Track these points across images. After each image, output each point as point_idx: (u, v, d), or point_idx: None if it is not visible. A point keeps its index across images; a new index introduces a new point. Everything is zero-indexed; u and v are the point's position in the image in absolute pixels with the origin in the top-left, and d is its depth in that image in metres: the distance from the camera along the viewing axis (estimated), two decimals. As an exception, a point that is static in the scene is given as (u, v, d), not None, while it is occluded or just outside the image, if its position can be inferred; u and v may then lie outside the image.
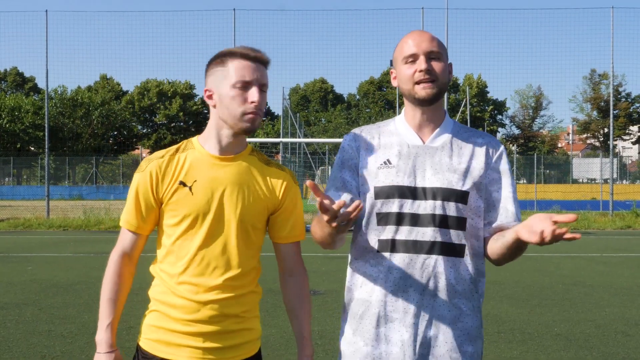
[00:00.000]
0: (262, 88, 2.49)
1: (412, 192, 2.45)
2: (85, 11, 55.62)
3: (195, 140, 2.59)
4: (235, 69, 2.45)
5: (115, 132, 74.02)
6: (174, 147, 2.58)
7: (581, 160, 58.82)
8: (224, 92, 2.47)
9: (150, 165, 2.51)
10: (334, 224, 2.15)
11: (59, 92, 66.49)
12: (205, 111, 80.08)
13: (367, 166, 2.54)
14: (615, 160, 36.63)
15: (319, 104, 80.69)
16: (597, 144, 76.35)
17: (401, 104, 40.50)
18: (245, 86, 2.45)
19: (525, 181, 52.15)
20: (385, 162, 2.51)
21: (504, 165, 2.55)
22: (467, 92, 39.59)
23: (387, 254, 2.45)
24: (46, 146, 27.97)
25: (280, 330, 7.28)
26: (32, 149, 67.40)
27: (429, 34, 2.54)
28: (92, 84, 75.12)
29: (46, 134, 28.03)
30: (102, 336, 2.55)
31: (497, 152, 2.56)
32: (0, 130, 62.22)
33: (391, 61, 2.65)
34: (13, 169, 61.34)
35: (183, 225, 2.48)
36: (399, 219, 2.44)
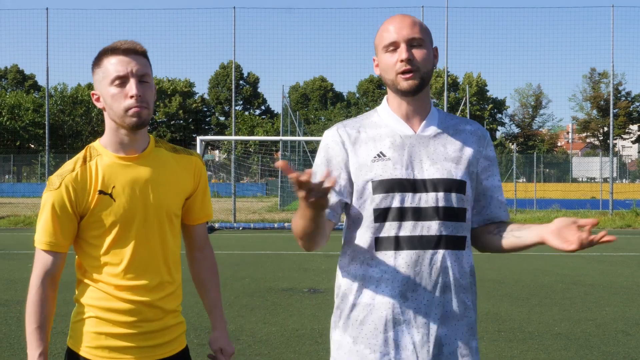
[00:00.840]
0: (142, 78, 2.38)
1: (412, 185, 2.32)
2: (86, 9, 55.65)
3: (97, 145, 2.50)
4: (109, 66, 2.37)
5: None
6: (79, 157, 2.48)
7: (581, 159, 58.95)
8: (105, 92, 2.39)
9: (64, 180, 2.41)
10: (311, 199, 2.01)
11: (59, 90, 66.49)
12: (205, 109, 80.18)
13: (359, 160, 2.38)
14: (615, 159, 36.63)
15: (319, 102, 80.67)
16: (597, 142, 76.39)
17: (401, 103, 40.28)
18: (122, 81, 2.36)
19: (524, 180, 52.14)
20: (379, 155, 2.36)
21: (491, 153, 2.49)
22: (467, 91, 39.61)
23: (390, 252, 2.31)
24: (46, 144, 27.97)
25: (281, 329, 7.28)
26: (32, 146, 67.40)
27: (410, 18, 2.38)
28: (92, 82, 75.05)
29: (46, 131, 28.04)
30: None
31: (486, 139, 2.49)
32: (0, 127, 62.18)
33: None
34: (13, 167, 61.33)
35: (112, 233, 2.42)
36: (401, 214, 2.31)
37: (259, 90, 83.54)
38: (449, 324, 2.34)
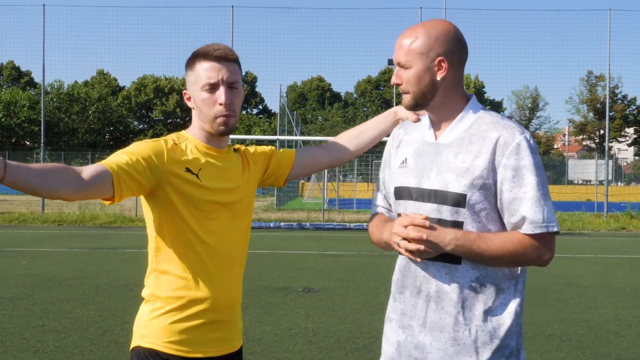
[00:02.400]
0: (232, 85, 2.49)
1: (415, 194, 2.39)
2: (83, 6, 55.56)
3: (185, 133, 2.64)
4: (201, 72, 2.46)
5: (112, 128, 73.90)
6: (166, 138, 2.54)
7: (577, 162, 59.09)
8: (196, 96, 2.50)
9: (166, 142, 2.53)
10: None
11: (56, 87, 66.31)
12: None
13: (392, 165, 2.55)
14: (610, 162, 36.70)
15: (316, 102, 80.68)
16: (593, 145, 76.48)
17: (398, 103, 40.58)
18: (213, 88, 2.46)
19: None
20: (403, 161, 2.49)
21: (521, 161, 2.25)
22: (464, 92, 39.49)
23: (400, 255, 2.45)
24: (42, 141, 27.94)
25: (275, 327, 7.28)
26: (28, 143, 67.22)
27: (405, 37, 2.41)
28: (88, 79, 74.95)
29: (42, 128, 28.00)
30: None
31: (510, 147, 2.26)
32: (-4, 124, 62.04)
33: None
34: (9, 164, 61.11)
35: (206, 218, 2.53)
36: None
37: (256, 89, 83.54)
38: (433, 333, 2.34)
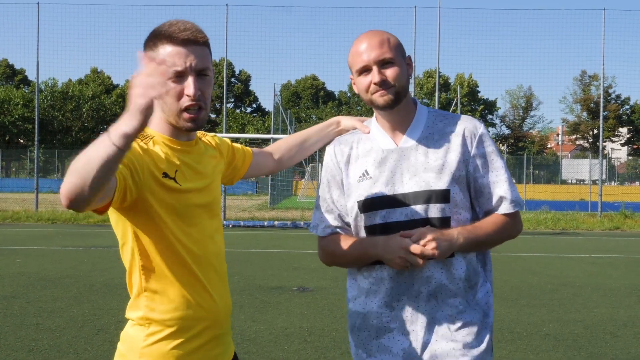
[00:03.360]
0: (202, 73, 2.15)
1: (392, 201, 2.39)
2: (77, 4, 55.35)
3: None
4: (165, 57, 2.09)
5: (106, 126, 73.64)
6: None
7: (570, 161, 59.23)
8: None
9: (139, 144, 2.16)
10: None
11: (50, 85, 66.22)
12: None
13: (349, 180, 2.52)
14: (604, 161, 36.78)
15: (310, 101, 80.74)
16: (587, 145, 76.72)
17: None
18: (179, 76, 2.11)
19: (514, 181, 52.18)
20: (363, 174, 2.47)
21: (488, 148, 2.44)
22: (458, 92, 39.58)
23: (376, 265, 2.42)
24: (36, 139, 27.84)
25: (269, 327, 7.26)
26: (22, 141, 67.12)
27: (377, 37, 2.41)
28: (82, 77, 74.81)
29: (36, 126, 27.91)
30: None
31: (477, 137, 2.43)
32: (-11, 122, 61.87)
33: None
34: (2, 162, 60.98)
35: (188, 224, 2.28)
36: (384, 229, 2.40)
37: (250, 88, 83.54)
38: (439, 329, 2.39)
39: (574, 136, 79.84)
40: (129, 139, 1.71)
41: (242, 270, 11.38)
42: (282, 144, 2.82)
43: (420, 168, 2.39)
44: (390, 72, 2.38)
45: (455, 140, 2.42)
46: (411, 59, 2.49)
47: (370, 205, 2.43)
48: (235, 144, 2.68)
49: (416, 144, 2.43)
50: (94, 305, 8.17)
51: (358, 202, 2.45)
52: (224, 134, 29.16)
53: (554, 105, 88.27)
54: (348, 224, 2.55)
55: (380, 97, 2.38)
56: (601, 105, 29.85)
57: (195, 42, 2.12)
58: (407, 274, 2.37)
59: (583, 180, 53.59)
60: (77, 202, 1.76)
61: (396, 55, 2.40)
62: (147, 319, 2.19)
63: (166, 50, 2.10)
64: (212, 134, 2.59)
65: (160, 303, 2.18)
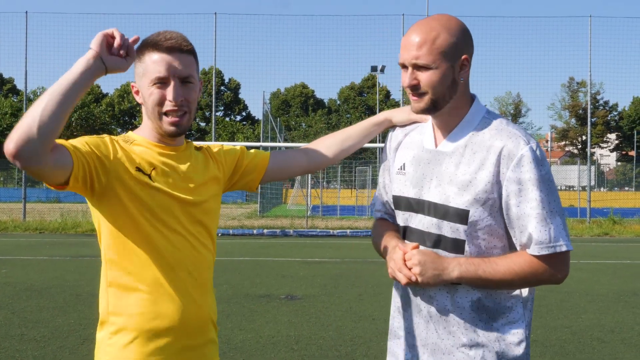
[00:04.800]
0: (186, 80, 2.21)
1: (415, 205, 2.27)
2: (66, 13, 55.27)
3: (132, 134, 2.34)
4: (150, 64, 2.18)
5: (95, 135, 73.59)
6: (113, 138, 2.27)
7: (559, 168, 59.40)
8: (144, 91, 2.22)
9: (112, 138, 2.27)
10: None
11: (38, 94, 66.00)
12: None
13: (391, 170, 2.42)
14: (593, 167, 36.92)
15: (300, 109, 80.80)
16: (575, 151, 77.06)
17: (382, 109, 40.70)
18: (163, 83, 2.18)
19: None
20: (401, 167, 2.35)
21: (525, 174, 2.08)
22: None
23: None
24: (23, 148, 27.65)
25: (256, 335, 7.22)
26: (10, 151, 66.80)
27: (424, 33, 2.16)
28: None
29: (24, 135, 27.73)
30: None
31: (515, 159, 2.09)
32: (-23, 131, 61.65)
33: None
34: (-10, 171, 60.71)
35: (156, 223, 2.29)
36: (405, 233, 2.32)
37: (240, 96, 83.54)
38: (435, 356, 2.23)
39: (563, 142, 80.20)
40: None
41: (230, 279, 11.34)
42: (322, 143, 2.71)
43: (447, 179, 2.18)
44: (424, 77, 2.15)
45: (491, 157, 2.13)
46: (468, 60, 2.21)
47: (397, 202, 2.35)
48: (249, 151, 2.65)
49: (452, 151, 2.22)
50: (80, 315, 8.10)
51: (393, 196, 2.37)
52: (213, 143, 29.16)
53: (542, 112, 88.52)
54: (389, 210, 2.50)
55: (414, 103, 2.21)
56: (589, 111, 29.97)
57: (180, 49, 2.19)
58: (414, 286, 2.24)
59: (572, 187, 53.75)
60: (24, 148, 1.83)
61: (438, 59, 2.13)
62: (110, 314, 2.22)
63: (152, 57, 2.19)
64: (221, 144, 2.60)
65: (123, 301, 2.20)
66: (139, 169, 2.19)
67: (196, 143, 2.52)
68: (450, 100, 2.21)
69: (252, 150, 2.66)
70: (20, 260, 13.97)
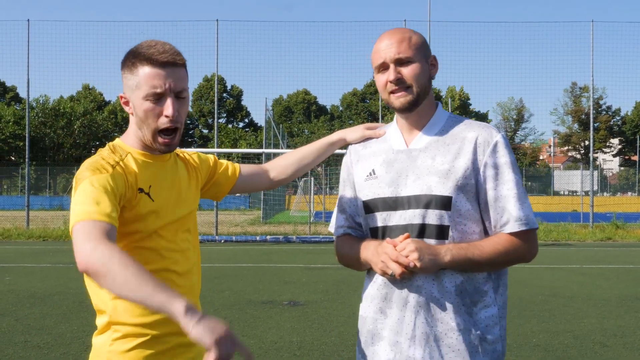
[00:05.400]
0: (180, 95, 2.23)
1: (392, 203, 2.33)
2: (68, 21, 55.43)
3: (120, 143, 2.35)
4: (144, 78, 2.17)
5: (97, 142, 73.63)
6: (109, 153, 2.29)
7: (562, 173, 59.37)
8: (137, 104, 2.21)
9: (117, 165, 2.24)
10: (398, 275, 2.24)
11: (41, 102, 66.16)
12: (188, 122, 79.97)
13: (357, 180, 2.48)
14: (595, 172, 36.89)
15: (302, 115, 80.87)
16: (578, 156, 76.99)
17: (384, 115, 40.76)
18: (158, 98, 2.19)
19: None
20: (370, 173, 2.42)
21: (501, 159, 2.28)
22: (450, 104, 39.80)
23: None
24: (27, 156, 27.73)
25: (259, 341, 7.24)
26: (13, 158, 66.94)
27: (399, 34, 2.37)
28: (74, 94, 74.78)
29: (27, 143, 27.81)
30: (182, 304, 1.86)
31: (491, 145, 2.29)
32: (-20, 139, 61.74)
33: None
34: (-7, 179, 60.85)
35: (153, 233, 2.34)
36: (384, 232, 2.35)
37: (242, 103, 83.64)
38: (426, 344, 2.27)
39: (566, 147, 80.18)
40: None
41: (233, 285, 11.36)
42: (280, 161, 2.79)
43: (425, 171, 2.30)
44: (407, 71, 2.31)
45: (467, 146, 2.30)
46: (436, 60, 2.42)
47: (372, 206, 2.38)
48: (221, 160, 2.69)
49: (425, 147, 2.35)
50: (83, 322, 8.12)
51: (363, 202, 2.41)
52: (216, 149, 29.21)
53: (545, 117, 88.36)
54: (361, 225, 2.51)
55: (396, 100, 2.33)
56: (591, 116, 29.97)
57: (174, 64, 2.20)
58: (400, 281, 2.28)
59: (575, 192, 53.66)
60: (89, 273, 1.98)
61: (416, 54, 2.33)
62: (112, 323, 2.24)
63: (145, 71, 2.17)
64: (193, 150, 2.63)
65: (125, 308, 2.22)
66: (141, 190, 2.23)
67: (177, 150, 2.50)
68: (425, 99, 2.37)
69: (224, 162, 2.70)
70: (23, 268, 14.00)
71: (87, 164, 2.21)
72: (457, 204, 2.26)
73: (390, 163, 2.39)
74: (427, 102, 2.39)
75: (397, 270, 2.21)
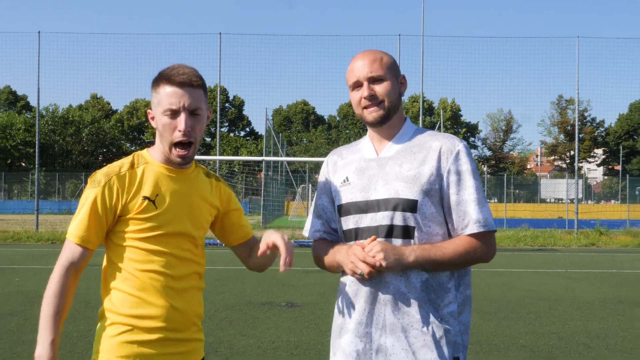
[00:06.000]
0: (194, 112, 2.37)
1: (364, 206, 2.41)
2: (77, 33, 55.49)
3: (145, 153, 2.52)
4: (164, 96, 2.35)
5: (105, 150, 73.66)
6: (126, 161, 2.48)
7: (549, 181, 59.42)
8: (158, 118, 2.39)
9: (110, 179, 2.41)
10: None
11: (51, 110, 66.15)
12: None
13: (333, 187, 2.56)
14: (580, 181, 36.94)
15: (301, 125, 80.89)
16: (564, 165, 77.04)
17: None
18: (174, 114, 2.35)
19: (496, 200, 52.44)
20: (344, 180, 2.51)
21: (463, 166, 2.37)
22: (441, 115, 39.86)
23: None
24: (36, 162, 27.76)
25: (258, 341, 7.23)
26: (24, 164, 66.85)
27: (371, 55, 2.47)
28: (82, 103, 74.79)
29: (37, 150, 27.81)
30: (46, 353, 2.36)
31: (453, 153, 2.38)
32: (-8, 146, 61.65)
33: None
34: (4, 184, 60.72)
35: (151, 238, 2.44)
36: (356, 234, 2.43)
37: (244, 112, 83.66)
38: (394, 335, 2.34)
39: (552, 157, 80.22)
40: None
41: (233, 287, 11.35)
42: (261, 260, 2.79)
43: (393, 177, 2.38)
44: (379, 88, 2.42)
45: (432, 154, 2.38)
46: (405, 79, 2.52)
47: (345, 209, 2.46)
48: (243, 215, 2.76)
49: (394, 155, 2.44)
50: (89, 322, 8.10)
51: (338, 206, 2.50)
52: (218, 157, 29.22)
53: (532, 128, 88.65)
54: (336, 230, 2.59)
55: (369, 114, 2.43)
56: (576, 128, 30.05)
57: (190, 84, 2.34)
58: (369, 280, 2.36)
59: (561, 199, 53.71)
60: None
61: (387, 73, 2.44)
62: (106, 311, 2.44)
63: (165, 90, 2.35)
64: (225, 183, 2.71)
65: (117, 299, 2.41)
66: (145, 197, 2.39)
67: (210, 171, 2.66)
68: (396, 113, 2.47)
69: (245, 220, 2.78)
70: (32, 270, 13.97)
71: (98, 171, 2.45)
72: (422, 207, 2.34)
73: (362, 170, 2.48)
74: (397, 116, 2.49)
75: (365, 269, 2.29)
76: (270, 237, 2.44)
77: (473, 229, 2.34)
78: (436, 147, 2.39)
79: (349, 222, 2.46)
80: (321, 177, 2.65)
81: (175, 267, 2.41)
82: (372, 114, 2.43)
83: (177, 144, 2.37)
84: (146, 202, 2.38)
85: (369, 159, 2.49)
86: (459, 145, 2.40)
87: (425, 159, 2.38)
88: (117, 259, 2.43)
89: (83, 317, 8.46)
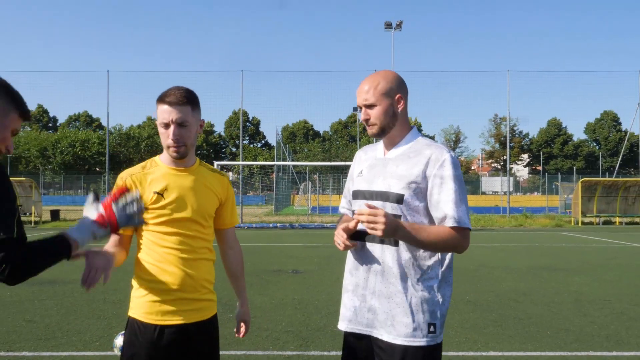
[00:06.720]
0: (182, 124, 2.29)
1: (367, 194, 2.35)
2: (137, 71, 55.36)
3: (157, 159, 2.44)
4: (159, 112, 2.31)
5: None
6: (144, 164, 2.44)
7: (488, 179, 59.41)
8: (158, 129, 2.37)
9: (131, 177, 2.41)
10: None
11: (117, 129, 65.94)
12: (222, 143, 79.89)
13: (354, 175, 2.50)
14: (511, 178, 36.92)
15: (303, 138, 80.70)
16: (499, 167, 77.00)
17: (361, 139, 40.88)
18: (166, 126, 2.30)
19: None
20: (360, 172, 2.44)
21: (447, 172, 2.20)
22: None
23: (355, 242, 2.33)
24: (107, 167, 27.76)
25: (270, 298, 7.19)
26: (98, 169, 66.67)
27: (369, 82, 2.33)
28: (140, 123, 74.62)
29: (107, 159, 27.82)
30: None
31: (440, 161, 2.22)
32: (74, 156, 61.55)
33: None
34: (84, 184, 60.64)
35: (163, 223, 2.37)
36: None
37: (260, 129, 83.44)
38: (379, 299, 2.27)
39: (490, 161, 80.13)
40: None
41: (252, 259, 11.31)
42: (233, 260, 2.61)
43: (390, 175, 2.29)
44: (373, 113, 2.30)
45: (422, 160, 2.25)
46: (401, 97, 2.32)
47: (355, 195, 2.41)
48: (234, 208, 2.60)
49: (395, 157, 2.34)
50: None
51: (353, 191, 2.44)
52: (241, 162, 29.15)
53: (475, 139, 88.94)
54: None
55: (368, 130, 2.35)
56: (507, 139, 30.05)
57: (177, 103, 2.26)
58: (366, 250, 2.29)
59: (497, 192, 53.70)
60: None
61: (379, 99, 2.29)
62: (135, 275, 2.39)
63: (161, 108, 2.29)
64: (227, 178, 2.58)
65: (140, 267, 2.37)
66: (155, 192, 2.32)
67: (220, 164, 2.52)
68: (393, 127, 2.34)
69: (233, 211, 2.60)
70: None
71: (123, 171, 2.42)
72: (408, 200, 2.23)
73: (372, 166, 2.40)
74: (397, 127, 2.34)
75: (340, 246, 2.27)
76: (241, 317, 2.60)
77: (448, 223, 2.20)
78: (427, 154, 2.26)
79: (357, 205, 2.40)
80: (351, 167, 2.58)
81: (185, 243, 2.34)
82: (370, 131, 2.36)
83: (169, 147, 2.32)
84: (156, 195, 2.32)
85: (378, 158, 2.41)
86: (446, 155, 2.24)
87: (417, 163, 2.26)
88: (142, 239, 2.38)
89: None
